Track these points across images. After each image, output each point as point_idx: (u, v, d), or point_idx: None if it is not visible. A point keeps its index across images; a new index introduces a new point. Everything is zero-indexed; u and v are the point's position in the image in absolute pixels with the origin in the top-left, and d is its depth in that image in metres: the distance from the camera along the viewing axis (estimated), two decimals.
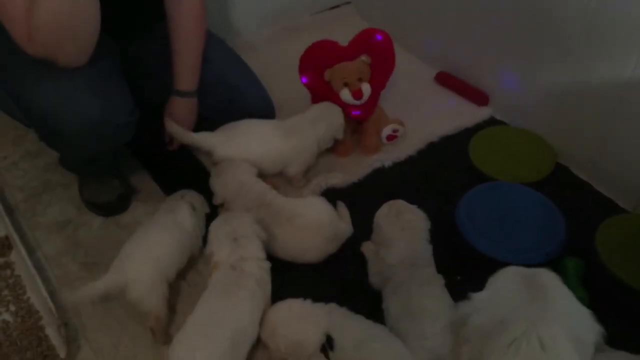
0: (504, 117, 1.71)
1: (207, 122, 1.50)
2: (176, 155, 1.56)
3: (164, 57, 1.41)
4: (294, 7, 2.18)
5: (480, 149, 1.56)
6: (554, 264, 1.20)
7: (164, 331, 1.16)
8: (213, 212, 1.35)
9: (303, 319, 1.09)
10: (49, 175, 1.57)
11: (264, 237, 1.20)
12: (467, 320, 0.91)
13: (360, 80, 1.47)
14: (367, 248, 1.30)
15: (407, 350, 1.04)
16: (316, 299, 1.14)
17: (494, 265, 1.21)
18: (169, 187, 1.46)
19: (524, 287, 0.89)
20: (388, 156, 1.58)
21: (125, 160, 1.56)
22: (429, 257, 1.20)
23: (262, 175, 1.42)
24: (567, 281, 0.94)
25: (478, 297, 0.92)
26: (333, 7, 2.28)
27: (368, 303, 1.20)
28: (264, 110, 1.55)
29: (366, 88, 1.47)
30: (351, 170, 1.55)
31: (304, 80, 1.53)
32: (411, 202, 1.29)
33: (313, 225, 1.27)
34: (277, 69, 1.72)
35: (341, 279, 1.28)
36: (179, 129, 1.43)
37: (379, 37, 1.49)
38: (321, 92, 1.52)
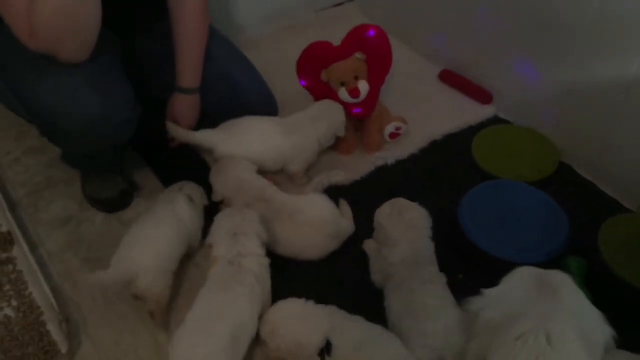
0: (508, 115, 1.70)
1: (209, 119, 1.50)
2: (178, 152, 1.56)
3: (166, 54, 1.41)
4: (298, 5, 2.17)
5: (484, 147, 1.56)
6: (556, 263, 1.20)
7: (164, 314, 1.18)
8: (214, 206, 1.35)
9: (305, 321, 1.08)
10: (51, 171, 1.57)
11: (265, 238, 1.20)
12: (478, 314, 0.91)
13: (356, 78, 1.46)
14: (369, 246, 1.30)
15: (407, 351, 1.04)
16: (317, 296, 1.14)
17: (496, 264, 1.21)
18: (171, 183, 1.45)
19: (537, 286, 0.90)
20: (391, 154, 1.58)
21: (128, 156, 1.56)
22: (432, 255, 1.20)
23: (263, 172, 1.42)
24: None
25: (490, 293, 0.93)
26: (337, 5, 2.27)
27: (369, 301, 1.20)
28: (267, 107, 1.55)
29: (363, 86, 1.46)
30: (354, 168, 1.54)
31: (303, 83, 1.53)
32: (414, 200, 1.29)
33: (315, 222, 1.27)
34: (280, 66, 1.71)
35: (343, 277, 1.28)
36: (180, 130, 1.43)
37: (371, 32, 1.44)
38: (321, 93, 1.52)
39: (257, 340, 1.11)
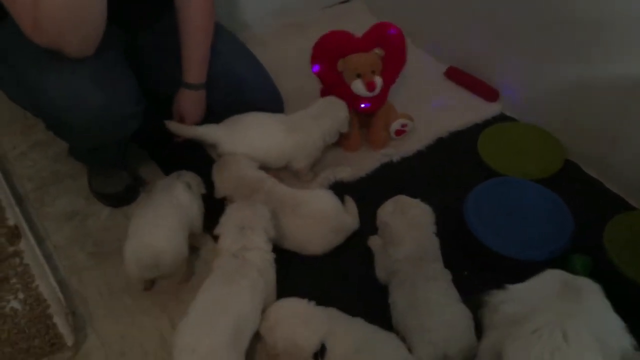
0: (514, 113, 1.70)
1: (215, 115, 1.50)
2: (183, 147, 1.56)
3: (171, 49, 1.41)
4: (304, 1, 2.17)
5: (490, 144, 1.56)
6: (561, 260, 1.20)
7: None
8: (218, 202, 1.36)
9: (305, 322, 1.08)
10: (58, 165, 1.58)
11: (273, 234, 1.20)
12: (499, 307, 0.91)
13: (373, 72, 1.46)
14: (374, 242, 1.30)
15: (408, 352, 1.04)
16: (321, 291, 1.14)
17: (501, 261, 1.21)
18: None
19: (561, 288, 0.89)
20: (397, 151, 1.58)
21: (133, 151, 1.57)
22: (437, 251, 1.20)
23: (266, 168, 1.43)
24: None
25: (513, 288, 0.93)
26: (343, 2, 2.27)
27: (374, 296, 1.20)
28: (273, 103, 1.55)
29: (379, 81, 1.46)
30: (359, 164, 1.54)
31: (316, 68, 1.52)
32: (419, 197, 1.28)
33: (317, 215, 1.28)
34: (286, 63, 1.71)
35: (348, 272, 1.28)
36: (182, 125, 1.44)
37: (392, 31, 1.48)
38: (331, 82, 1.52)
39: (259, 335, 1.11)
